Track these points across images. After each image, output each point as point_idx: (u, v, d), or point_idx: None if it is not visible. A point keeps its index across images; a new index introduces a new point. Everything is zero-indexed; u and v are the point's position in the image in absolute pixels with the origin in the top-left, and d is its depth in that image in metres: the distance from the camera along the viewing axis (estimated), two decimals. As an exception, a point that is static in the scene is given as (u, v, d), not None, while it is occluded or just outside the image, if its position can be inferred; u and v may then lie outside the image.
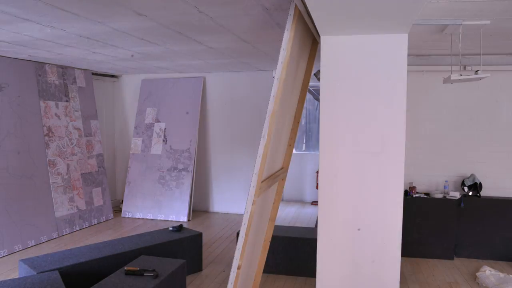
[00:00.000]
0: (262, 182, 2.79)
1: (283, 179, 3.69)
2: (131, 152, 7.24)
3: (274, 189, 3.55)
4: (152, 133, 7.18)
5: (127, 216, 6.98)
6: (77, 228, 6.09)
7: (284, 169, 3.69)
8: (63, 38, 4.11)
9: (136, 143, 7.23)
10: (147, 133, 7.20)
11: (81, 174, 6.32)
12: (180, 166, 6.88)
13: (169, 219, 6.75)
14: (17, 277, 3.67)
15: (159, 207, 6.86)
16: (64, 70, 6.26)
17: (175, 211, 6.77)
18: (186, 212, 6.72)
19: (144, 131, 7.22)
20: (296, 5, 2.46)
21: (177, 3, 2.90)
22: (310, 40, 3.45)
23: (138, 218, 6.88)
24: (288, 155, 3.74)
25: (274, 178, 3.17)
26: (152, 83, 7.40)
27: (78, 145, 6.35)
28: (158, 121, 7.18)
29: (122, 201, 7.67)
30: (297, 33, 2.75)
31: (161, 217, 6.80)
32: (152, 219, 6.80)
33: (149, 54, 5.15)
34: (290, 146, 3.72)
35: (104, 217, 6.65)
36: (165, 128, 7.12)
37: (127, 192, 7.09)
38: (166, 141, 7.06)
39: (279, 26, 3.55)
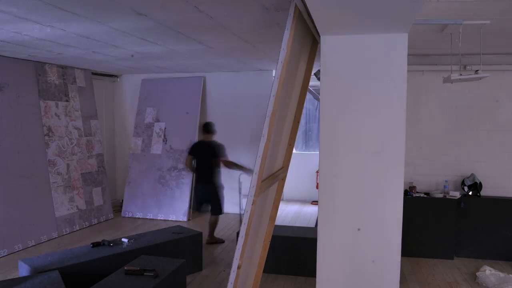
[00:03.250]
0: (262, 181, 2.79)
1: (283, 179, 3.69)
2: (131, 152, 7.22)
3: (274, 189, 3.55)
4: (152, 133, 7.16)
5: (127, 216, 6.96)
6: (77, 228, 6.09)
7: (284, 168, 3.69)
8: (63, 38, 4.11)
9: (136, 143, 7.21)
10: (147, 132, 7.19)
11: (81, 174, 6.32)
12: (180, 166, 6.87)
13: (169, 219, 6.74)
14: (17, 277, 3.67)
15: (159, 207, 6.85)
16: (64, 70, 6.25)
17: (175, 211, 6.76)
18: (186, 211, 6.71)
19: (144, 131, 7.21)
20: (296, 5, 2.46)
21: (177, 3, 2.90)
22: (310, 40, 3.45)
23: (139, 218, 6.87)
24: (288, 155, 3.74)
25: (274, 177, 3.16)
26: (152, 83, 7.39)
27: (78, 145, 6.34)
28: (158, 120, 7.16)
29: (123, 200, 7.67)
30: (297, 32, 2.74)
31: (161, 216, 6.80)
32: (152, 219, 6.79)
33: (149, 54, 5.15)
34: (290, 146, 3.72)
35: (104, 216, 6.64)
36: (165, 128, 7.10)
37: (127, 191, 7.07)
38: (166, 140, 7.04)
39: (279, 26, 3.55)
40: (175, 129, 7.07)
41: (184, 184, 6.81)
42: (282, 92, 2.70)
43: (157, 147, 7.09)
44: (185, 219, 6.68)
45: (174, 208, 6.79)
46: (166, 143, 7.06)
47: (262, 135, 2.51)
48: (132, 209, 6.99)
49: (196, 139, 6.90)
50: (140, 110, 7.35)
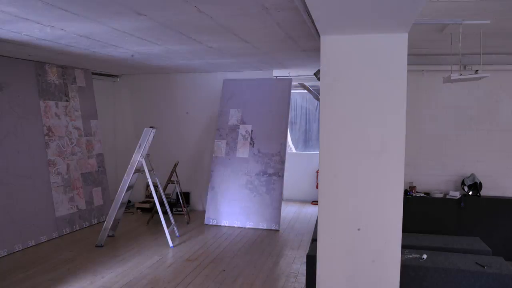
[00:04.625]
0: None
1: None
2: (214, 155, 6.75)
3: None
4: (237, 136, 6.71)
5: (211, 223, 6.47)
6: (77, 228, 6.09)
7: None
8: (63, 38, 4.11)
9: (220, 146, 6.73)
10: (232, 135, 6.74)
11: (81, 173, 6.32)
12: (270, 171, 6.41)
13: (259, 227, 6.25)
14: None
15: (247, 214, 6.35)
16: (64, 70, 6.25)
17: (265, 219, 6.27)
18: (279, 220, 6.24)
19: (228, 133, 6.75)
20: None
21: (177, 3, 2.90)
22: None
23: (224, 226, 6.38)
24: None
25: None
26: (235, 83, 6.93)
27: (78, 145, 6.34)
28: (243, 122, 6.73)
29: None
30: None
31: (250, 225, 6.29)
32: (239, 227, 6.29)
33: (149, 54, 5.15)
34: None
35: (104, 216, 6.64)
36: (251, 131, 6.65)
37: (210, 197, 6.59)
38: (254, 144, 6.58)
39: (279, 26, 3.55)
40: (263, 132, 6.55)
41: (275, 190, 6.31)
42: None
43: (243, 151, 6.62)
44: (277, 227, 6.17)
45: (265, 215, 6.26)
46: (253, 147, 6.58)
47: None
48: (217, 216, 6.47)
49: (286, 141, 6.57)
50: (223, 111, 6.85)
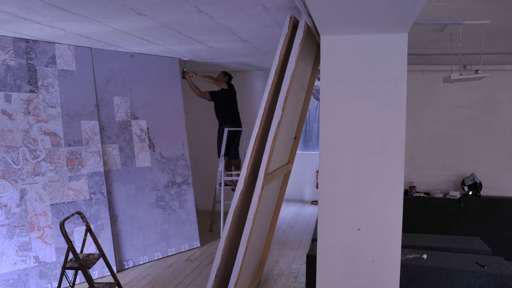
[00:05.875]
0: (268, 174, 3.02)
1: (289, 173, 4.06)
2: (106, 169, 4.59)
3: (280, 183, 3.77)
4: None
5: (126, 267, 4.60)
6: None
7: (289, 163, 4.05)
8: (63, 37, 4.11)
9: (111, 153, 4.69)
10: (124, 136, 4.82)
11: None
12: (179, 180, 5.19)
13: (182, 250, 5.11)
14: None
15: (167, 239, 4.99)
16: (64, 70, 6.24)
17: (185, 239, 5.16)
18: (198, 235, 5.30)
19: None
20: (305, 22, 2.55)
21: (177, 3, 2.90)
22: (316, 44, 3.52)
23: (144, 264, 4.72)
24: (293, 152, 4.05)
25: (281, 172, 3.38)
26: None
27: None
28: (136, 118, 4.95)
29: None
30: (308, 34, 2.84)
31: (172, 251, 5.01)
32: (160, 259, 4.88)
33: (149, 54, 5.15)
34: (296, 141, 4.06)
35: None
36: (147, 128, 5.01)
37: (118, 233, 4.61)
38: (154, 147, 5.03)
39: (279, 25, 3.55)
40: (163, 132, 5.15)
41: (187, 201, 5.22)
42: (291, 91, 2.80)
43: (143, 157, 4.92)
44: (198, 244, 5.26)
45: (184, 235, 5.15)
46: (154, 151, 5.02)
47: (269, 132, 2.59)
48: (132, 256, 4.69)
49: (186, 142, 5.37)
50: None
